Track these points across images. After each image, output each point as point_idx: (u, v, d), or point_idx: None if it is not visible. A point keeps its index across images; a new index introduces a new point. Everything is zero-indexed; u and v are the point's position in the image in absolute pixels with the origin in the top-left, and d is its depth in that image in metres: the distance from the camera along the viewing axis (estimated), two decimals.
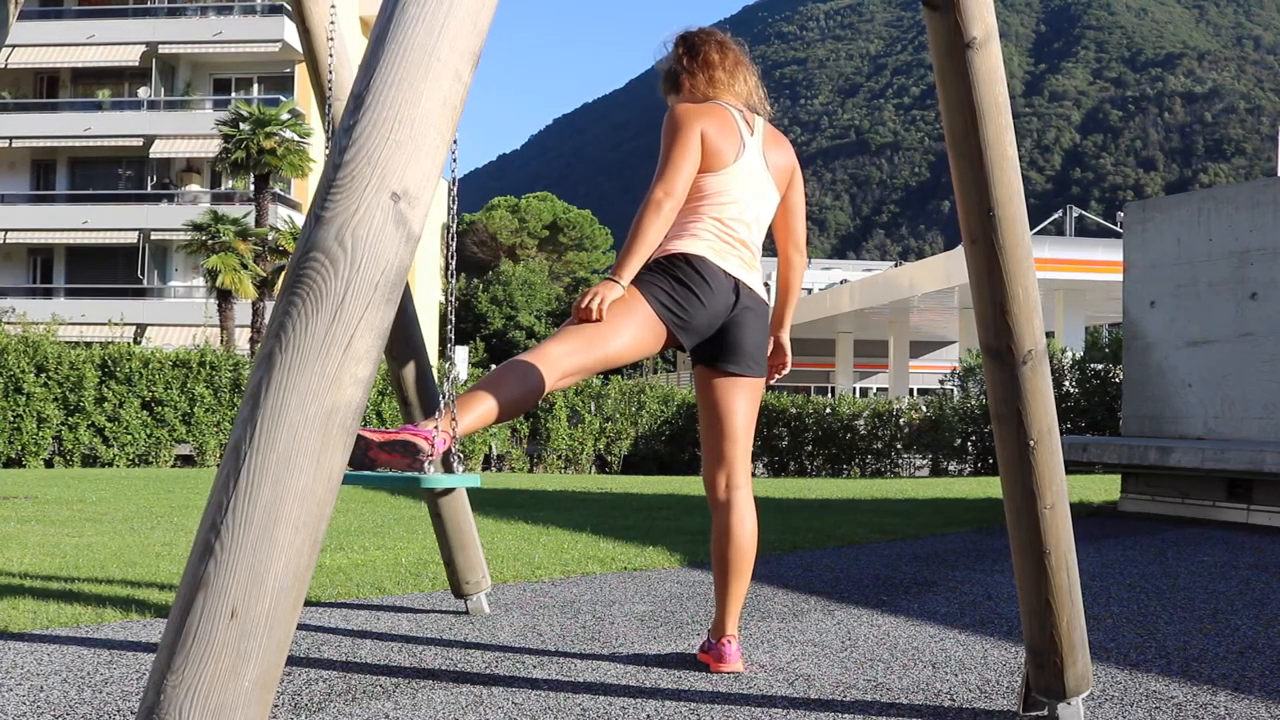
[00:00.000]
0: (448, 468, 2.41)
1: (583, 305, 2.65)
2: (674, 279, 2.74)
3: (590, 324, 2.64)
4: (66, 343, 16.63)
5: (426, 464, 2.23)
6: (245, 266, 24.89)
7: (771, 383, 3.19)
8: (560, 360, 2.58)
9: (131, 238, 33.01)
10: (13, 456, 14.85)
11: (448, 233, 2.28)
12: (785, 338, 3.14)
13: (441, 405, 2.35)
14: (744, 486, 2.93)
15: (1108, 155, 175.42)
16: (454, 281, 2.04)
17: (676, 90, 3.02)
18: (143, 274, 33.37)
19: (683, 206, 2.85)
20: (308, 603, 3.82)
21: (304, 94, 32.21)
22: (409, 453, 2.23)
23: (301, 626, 3.44)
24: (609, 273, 2.72)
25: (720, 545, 2.91)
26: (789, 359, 3.15)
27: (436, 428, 2.29)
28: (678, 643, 3.28)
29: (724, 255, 2.81)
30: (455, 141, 2.18)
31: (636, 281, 2.72)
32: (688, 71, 2.98)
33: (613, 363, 2.67)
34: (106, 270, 33.54)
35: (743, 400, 2.91)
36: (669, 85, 3.05)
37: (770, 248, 3.16)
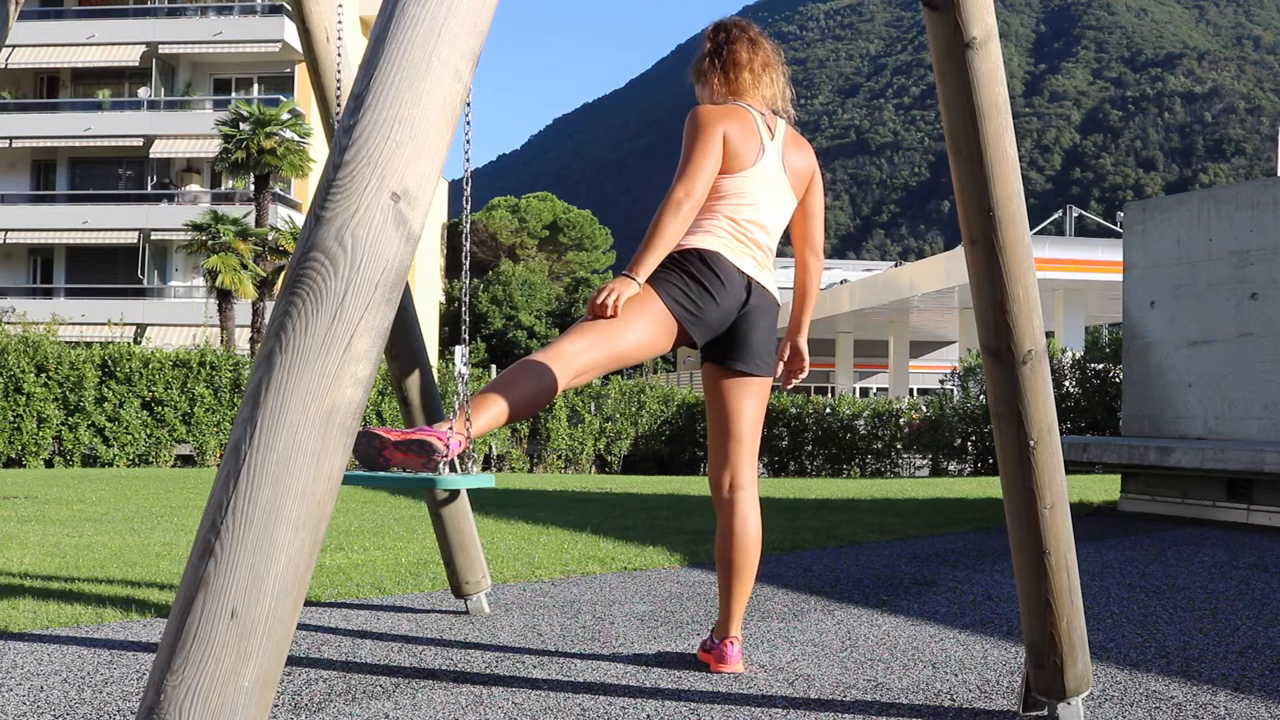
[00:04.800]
0: (461, 468, 2.40)
1: (599, 302, 2.64)
2: (688, 275, 2.73)
3: (603, 321, 2.63)
4: (66, 343, 16.62)
5: (441, 465, 2.23)
6: (245, 266, 24.89)
7: (788, 388, 3.18)
8: (574, 358, 2.57)
9: (131, 238, 33.02)
10: (13, 456, 14.85)
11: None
12: (803, 342, 3.10)
13: (456, 406, 2.35)
14: (748, 487, 2.92)
15: (1108, 155, 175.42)
16: (468, 281, 2.03)
17: (702, 84, 3.02)
18: (143, 274, 33.38)
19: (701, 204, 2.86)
20: (308, 603, 3.82)
21: (304, 94, 32.21)
22: (425, 453, 2.22)
23: (301, 626, 3.44)
24: (626, 270, 2.71)
25: (724, 545, 2.91)
26: (806, 364, 3.11)
27: (451, 428, 2.29)
28: (678, 643, 3.28)
29: (738, 253, 2.81)
30: (468, 141, 2.17)
31: (650, 277, 2.72)
32: (715, 68, 2.97)
33: (626, 360, 2.67)
34: (106, 270, 33.54)
35: (749, 400, 2.90)
36: (697, 75, 3.04)
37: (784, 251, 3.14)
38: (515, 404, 2.46)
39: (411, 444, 2.23)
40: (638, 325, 2.65)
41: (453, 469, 2.41)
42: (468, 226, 1.93)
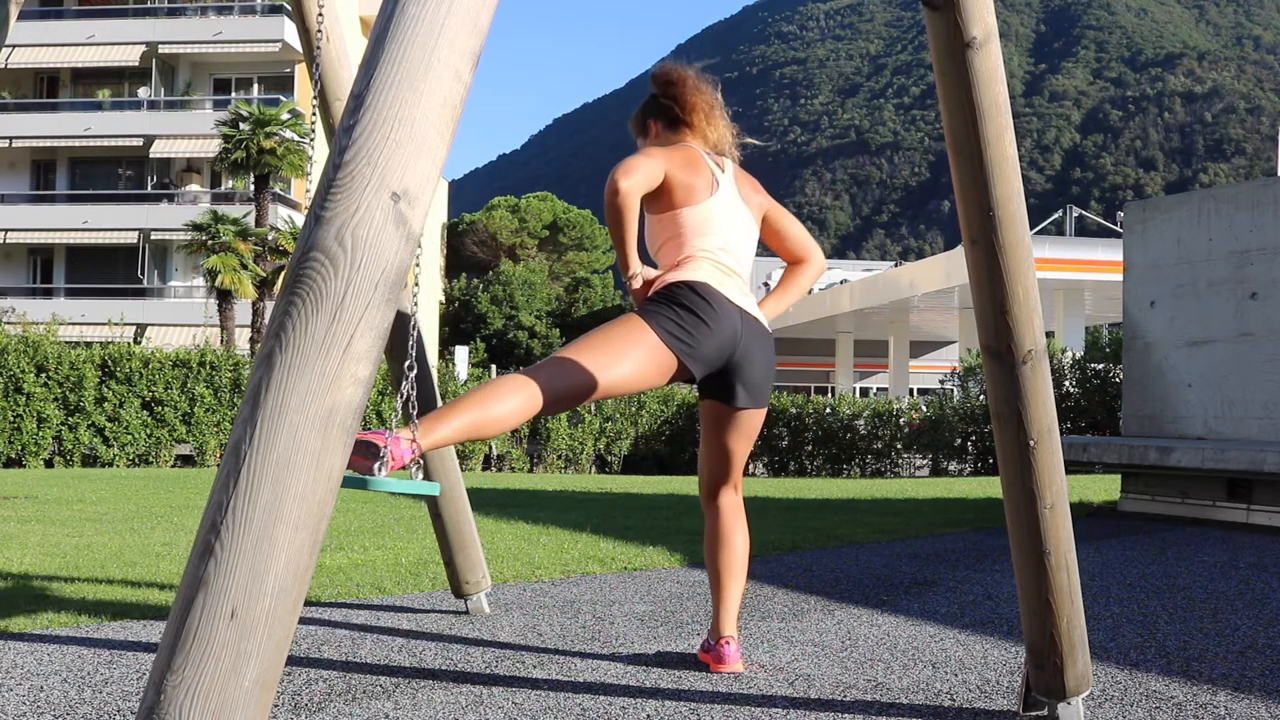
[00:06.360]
0: (412, 475, 2.35)
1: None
2: (679, 305, 2.70)
3: (594, 349, 2.59)
4: (66, 343, 16.63)
5: (375, 467, 2.17)
6: (245, 266, 24.89)
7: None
8: (552, 381, 2.51)
9: (131, 238, 33.02)
10: (13, 456, 14.85)
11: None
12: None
13: (398, 412, 2.28)
14: (737, 493, 3.01)
15: (1108, 155, 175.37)
16: (416, 291, 2.02)
17: (644, 134, 3.03)
18: (143, 274, 33.38)
19: (669, 244, 2.84)
20: (308, 603, 3.82)
21: (304, 94, 32.20)
22: (371, 455, 2.18)
23: (301, 626, 3.44)
24: (624, 277, 2.79)
25: (713, 549, 2.96)
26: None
27: (389, 430, 2.26)
28: (678, 643, 3.28)
29: (723, 283, 2.79)
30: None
31: (641, 312, 2.71)
32: (658, 116, 2.99)
33: (613, 390, 2.61)
34: (106, 270, 33.54)
35: (747, 429, 2.92)
36: (638, 128, 3.05)
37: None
38: (482, 421, 2.39)
39: (359, 445, 2.19)
40: (629, 356, 2.61)
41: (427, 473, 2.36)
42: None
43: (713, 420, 2.93)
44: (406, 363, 2.15)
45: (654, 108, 3.00)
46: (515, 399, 2.44)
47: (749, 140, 3.05)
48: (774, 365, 2.91)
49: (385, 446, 2.19)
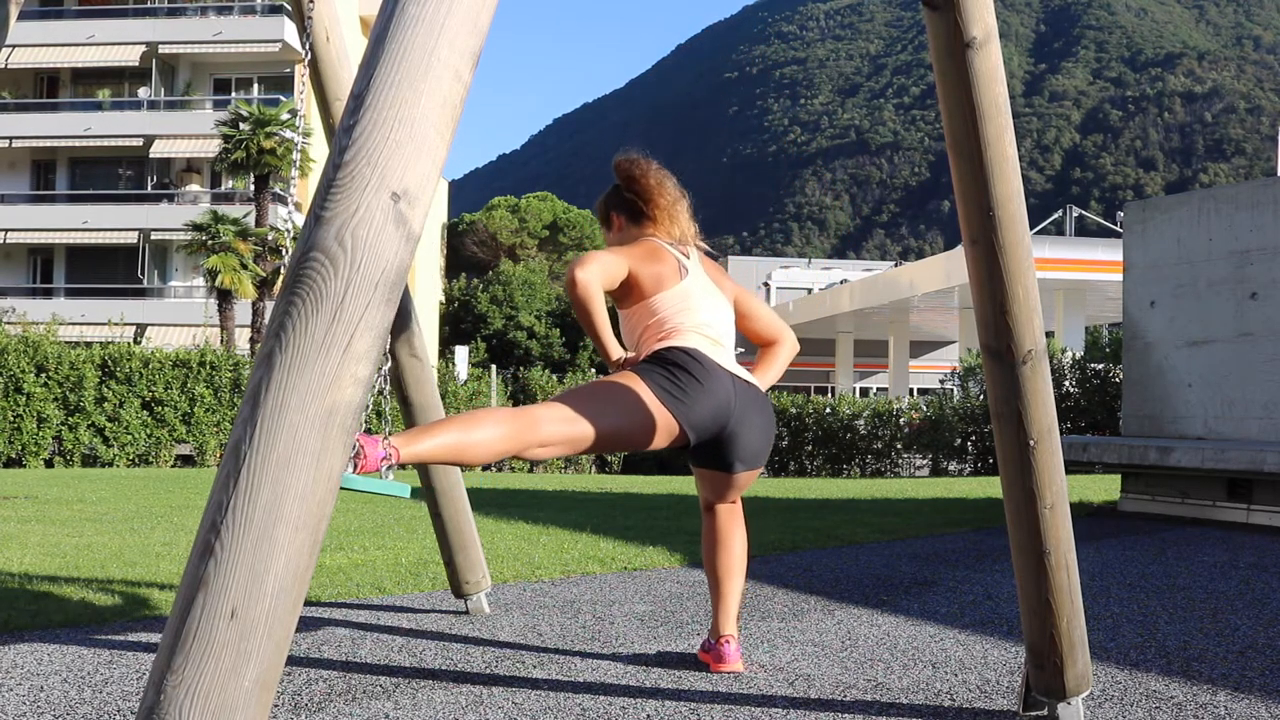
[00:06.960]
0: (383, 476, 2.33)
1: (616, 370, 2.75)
2: (670, 364, 2.69)
3: (586, 400, 2.56)
4: (66, 343, 16.64)
5: (347, 464, 2.17)
6: (245, 266, 24.89)
7: None
8: (541, 423, 2.46)
9: (131, 238, 33.02)
10: (13, 456, 14.85)
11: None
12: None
13: (369, 406, 2.26)
14: (735, 503, 3.03)
15: (1108, 155, 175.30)
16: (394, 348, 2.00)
17: (608, 225, 3.02)
18: (143, 274, 33.38)
19: (649, 329, 2.82)
20: (308, 603, 3.82)
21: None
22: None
23: (301, 626, 3.44)
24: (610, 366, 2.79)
25: (711, 550, 2.99)
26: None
27: (368, 430, 2.26)
28: (678, 643, 3.28)
29: (713, 350, 2.78)
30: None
31: (635, 370, 2.70)
32: (621, 209, 2.98)
33: (604, 443, 2.57)
34: (106, 270, 33.54)
35: (743, 483, 2.92)
36: (602, 217, 3.05)
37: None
38: (464, 443, 2.36)
39: None
40: (622, 411, 2.58)
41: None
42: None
43: (707, 480, 2.94)
44: (383, 378, 2.11)
45: (617, 201, 2.99)
46: (501, 428, 2.41)
47: (704, 246, 3.03)
48: (773, 428, 2.89)
49: (358, 444, 2.17)
